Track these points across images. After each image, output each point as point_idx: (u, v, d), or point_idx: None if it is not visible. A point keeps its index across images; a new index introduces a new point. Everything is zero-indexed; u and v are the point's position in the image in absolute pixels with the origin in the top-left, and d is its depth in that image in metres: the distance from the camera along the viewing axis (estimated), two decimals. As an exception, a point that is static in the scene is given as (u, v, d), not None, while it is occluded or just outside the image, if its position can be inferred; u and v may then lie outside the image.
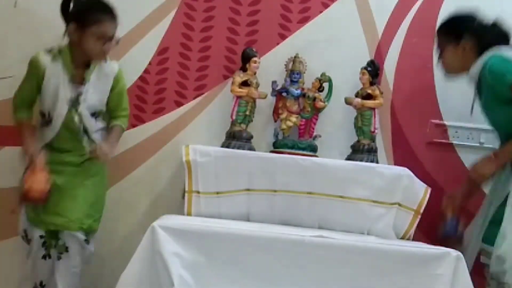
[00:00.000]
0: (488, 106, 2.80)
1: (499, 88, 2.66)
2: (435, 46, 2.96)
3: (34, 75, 2.80)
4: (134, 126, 3.18)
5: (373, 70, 3.13)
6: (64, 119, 2.79)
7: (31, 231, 2.80)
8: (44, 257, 2.77)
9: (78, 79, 2.80)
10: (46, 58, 2.78)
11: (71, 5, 2.80)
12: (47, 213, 2.74)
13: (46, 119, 2.82)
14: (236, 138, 3.03)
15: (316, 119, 3.17)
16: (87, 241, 2.80)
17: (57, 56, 2.79)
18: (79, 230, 2.76)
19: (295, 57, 3.16)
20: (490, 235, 2.68)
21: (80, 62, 2.80)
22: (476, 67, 2.77)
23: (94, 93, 2.83)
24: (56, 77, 2.77)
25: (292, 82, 3.13)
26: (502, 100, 2.69)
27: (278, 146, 3.10)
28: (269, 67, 3.18)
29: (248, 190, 2.88)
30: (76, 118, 2.79)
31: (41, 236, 2.77)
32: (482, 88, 2.77)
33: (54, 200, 2.73)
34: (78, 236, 2.76)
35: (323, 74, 3.16)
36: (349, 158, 3.08)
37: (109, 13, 2.75)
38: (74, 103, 2.79)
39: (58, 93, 2.77)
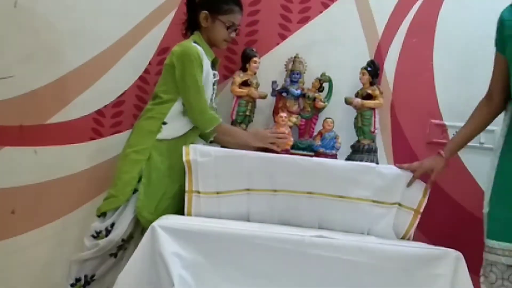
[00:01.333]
0: None
1: None
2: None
3: (200, 67, 2.85)
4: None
5: (373, 70, 3.13)
6: (210, 103, 2.92)
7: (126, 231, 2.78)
8: (112, 255, 2.81)
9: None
10: (198, 48, 2.87)
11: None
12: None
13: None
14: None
15: (316, 119, 3.18)
16: None
17: (196, 44, 2.90)
18: None
19: (295, 57, 3.16)
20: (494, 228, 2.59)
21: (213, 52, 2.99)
22: None
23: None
24: (206, 63, 2.89)
25: (292, 82, 3.13)
26: None
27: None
28: (269, 67, 3.18)
29: (248, 190, 2.87)
30: (214, 104, 2.98)
31: (123, 240, 2.79)
32: None
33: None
34: None
35: (323, 74, 3.16)
36: (349, 158, 3.08)
37: (239, 4, 3.01)
38: (214, 87, 2.99)
39: (208, 77, 2.89)
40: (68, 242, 3.11)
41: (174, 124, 2.86)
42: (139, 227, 2.81)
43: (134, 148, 2.82)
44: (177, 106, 2.86)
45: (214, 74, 2.98)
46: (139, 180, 2.78)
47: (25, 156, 3.14)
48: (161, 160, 2.82)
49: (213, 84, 2.98)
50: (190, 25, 3.01)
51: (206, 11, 2.93)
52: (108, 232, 2.76)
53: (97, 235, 2.77)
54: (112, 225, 2.76)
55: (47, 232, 3.15)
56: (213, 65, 3.00)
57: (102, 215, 2.81)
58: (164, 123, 2.85)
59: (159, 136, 2.83)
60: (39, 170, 3.15)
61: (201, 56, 2.84)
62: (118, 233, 2.75)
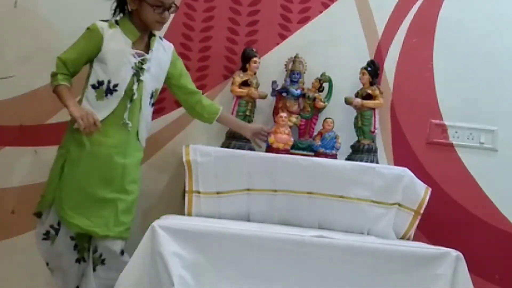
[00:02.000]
0: None
1: None
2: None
3: (90, 40, 2.67)
4: (134, 126, 3.18)
5: (373, 70, 3.13)
6: (127, 87, 2.67)
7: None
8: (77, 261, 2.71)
9: (139, 48, 2.75)
10: (103, 24, 2.70)
11: None
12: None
13: (105, 89, 2.65)
14: (236, 138, 3.03)
15: (316, 119, 3.18)
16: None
17: (114, 25, 2.72)
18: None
19: (295, 57, 3.16)
20: None
21: (138, 32, 2.75)
22: None
23: (156, 65, 2.77)
24: (117, 41, 2.69)
25: (292, 82, 3.13)
26: None
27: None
28: (269, 67, 3.18)
29: (248, 190, 2.87)
30: (135, 87, 2.69)
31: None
32: None
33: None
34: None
35: (323, 74, 3.16)
36: (349, 158, 3.08)
37: None
38: (138, 69, 2.70)
39: (122, 58, 2.68)
40: (68, 242, 3.11)
41: (97, 111, 2.62)
42: None
43: (61, 144, 2.72)
44: (88, 91, 2.67)
45: (136, 54, 2.72)
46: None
47: (25, 156, 3.14)
48: (77, 149, 2.63)
49: (137, 66, 2.71)
50: (121, 9, 2.78)
51: None
52: (57, 230, 2.65)
53: (47, 237, 2.66)
54: (59, 222, 2.64)
55: (47, 232, 3.15)
56: (147, 47, 2.77)
57: (38, 215, 2.70)
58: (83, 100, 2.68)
59: (76, 125, 2.59)
60: (39, 170, 3.15)
61: (100, 31, 2.66)
62: (64, 231, 2.65)
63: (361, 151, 3.07)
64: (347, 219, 2.87)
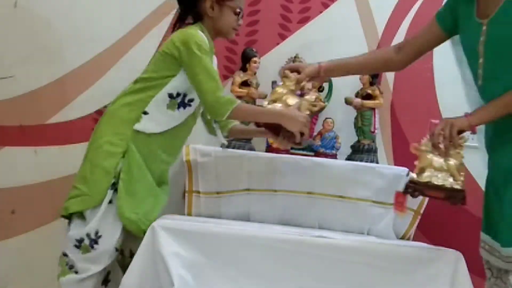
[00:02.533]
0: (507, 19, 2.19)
1: None
2: None
3: (210, 54, 2.51)
4: (134, 126, 3.18)
5: (373, 70, 3.13)
6: (198, 104, 2.57)
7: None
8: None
9: None
10: (203, 34, 2.51)
11: None
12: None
13: (179, 101, 2.51)
14: (236, 138, 3.03)
15: (316, 119, 3.17)
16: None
17: (202, 32, 2.54)
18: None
19: (295, 57, 3.16)
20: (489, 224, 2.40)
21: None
22: None
23: None
24: (211, 53, 2.55)
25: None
26: None
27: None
28: (269, 67, 3.18)
29: (248, 190, 2.87)
30: (199, 105, 2.60)
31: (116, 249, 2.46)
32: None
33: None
34: None
35: (323, 74, 3.15)
36: (349, 158, 3.08)
37: None
38: None
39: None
40: (68, 242, 3.11)
41: (156, 116, 2.48)
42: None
43: (107, 138, 2.44)
44: (162, 95, 2.48)
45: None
46: (115, 176, 2.41)
47: (25, 156, 3.14)
48: (139, 152, 2.46)
49: None
50: (189, 16, 2.61)
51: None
52: (93, 241, 2.40)
53: (79, 244, 2.41)
54: (96, 233, 2.40)
55: (47, 232, 3.15)
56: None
57: (71, 216, 2.45)
58: (145, 113, 2.47)
59: (137, 126, 2.46)
60: (39, 170, 3.15)
61: (209, 45, 2.50)
62: (108, 241, 2.41)
63: (361, 151, 3.07)
64: (347, 219, 2.87)
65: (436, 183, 2.30)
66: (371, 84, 3.12)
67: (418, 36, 2.50)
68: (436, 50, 3.26)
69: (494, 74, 2.28)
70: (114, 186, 2.41)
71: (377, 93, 3.11)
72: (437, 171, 2.33)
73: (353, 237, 2.67)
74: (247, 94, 3.07)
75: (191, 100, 2.53)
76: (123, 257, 2.56)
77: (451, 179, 2.32)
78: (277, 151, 2.98)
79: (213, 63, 2.57)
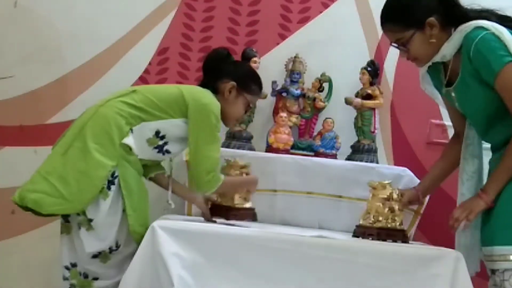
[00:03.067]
0: (465, 87, 2.39)
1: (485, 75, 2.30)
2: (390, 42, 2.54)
3: (219, 124, 2.49)
4: (134, 126, 3.18)
5: (373, 70, 3.13)
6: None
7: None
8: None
9: None
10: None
11: (230, 62, 2.64)
12: None
13: (160, 144, 2.47)
14: (236, 138, 3.03)
15: (316, 119, 3.18)
16: None
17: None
18: None
19: (295, 57, 3.16)
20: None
21: None
22: (451, 47, 2.36)
23: None
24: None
25: (292, 82, 3.13)
26: (483, 81, 2.31)
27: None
28: (269, 67, 3.18)
29: (248, 190, 2.87)
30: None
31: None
32: (462, 65, 2.35)
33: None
34: None
35: (323, 74, 3.16)
36: (349, 158, 3.08)
37: (261, 89, 2.68)
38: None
39: None
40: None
41: (135, 142, 2.41)
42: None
43: (97, 146, 2.32)
44: (151, 126, 2.42)
45: None
46: (102, 188, 2.30)
47: (25, 156, 3.14)
48: (130, 165, 2.41)
49: None
50: (205, 84, 2.57)
51: (234, 83, 2.53)
52: (113, 251, 2.41)
53: (97, 255, 2.39)
54: (117, 243, 2.40)
55: (47, 232, 3.15)
56: None
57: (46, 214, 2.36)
58: (132, 131, 2.40)
59: (126, 140, 2.37)
60: (39, 170, 3.15)
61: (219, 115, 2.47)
62: (126, 249, 2.45)
63: (361, 151, 3.07)
64: (347, 219, 2.86)
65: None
66: (371, 84, 3.12)
67: (451, 117, 2.70)
68: (436, 50, 3.27)
69: (481, 130, 2.47)
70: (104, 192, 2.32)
71: (377, 93, 3.11)
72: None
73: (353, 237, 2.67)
74: (247, 94, 3.06)
75: (168, 152, 2.51)
76: None
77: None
78: (277, 151, 2.98)
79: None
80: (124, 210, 2.38)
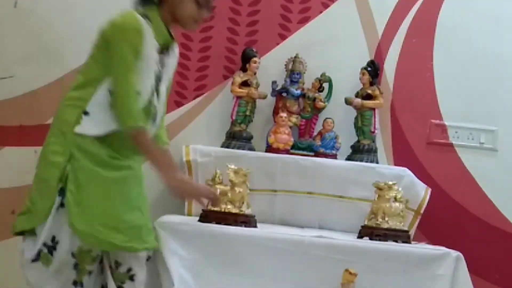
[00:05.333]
0: None
1: None
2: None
3: (135, 46, 2.11)
4: (134, 126, 3.18)
5: (373, 70, 3.13)
6: (147, 98, 2.16)
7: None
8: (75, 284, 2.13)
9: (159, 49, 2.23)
10: (141, 19, 2.15)
11: None
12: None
13: None
14: (236, 138, 3.03)
15: (316, 119, 3.17)
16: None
17: (148, 21, 2.17)
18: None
19: (295, 57, 3.16)
20: None
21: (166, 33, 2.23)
22: None
23: (167, 72, 2.28)
24: (150, 44, 2.16)
25: (292, 82, 3.13)
26: None
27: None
28: (269, 67, 3.18)
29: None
30: (155, 100, 2.21)
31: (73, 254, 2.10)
32: None
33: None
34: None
35: (323, 74, 3.16)
36: (349, 158, 3.08)
37: None
38: (158, 80, 2.21)
39: (150, 65, 2.17)
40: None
41: (98, 117, 2.10)
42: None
43: (50, 147, 2.13)
44: (103, 92, 2.11)
45: (162, 62, 2.23)
46: (61, 189, 2.07)
47: (25, 156, 3.14)
48: (85, 157, 2.09)
49: (159, 73, 2.21)
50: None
51: None
52: (51, 247, 2.09)
53: (38, 257, 2.10)
54: (53, 238, 2.08)
55: (47, 232, 3.15)
56: (167, 50, 2.26)
57: (22, 233, 2.15)
58: (86, 113, 2.10)
59: (78, 129, 2.09)
60: (39, 170, 3.15)
61: (141, 31, 2.11)
62: (64, 248, 2.08)
63: (361, 151, 3.07)
64: (347, 219, 2.87)
65: None
66: (371, 84, 3.12)
67: None
68: (436, 51, 3.28)
69: None
70: (63, 192, 2.08)
71: (377, 93, 3.10)
72: None
73: (353, 237, 2.67)
74: (247, 94, 3.07)
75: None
76: (111, 268, 2.18)
77: None
78: (277, 151, 2.98)
79: (149, 53, 2.15)
80: (62, 205, 2.08)
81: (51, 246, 2.08)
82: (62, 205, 2.08)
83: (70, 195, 2.06)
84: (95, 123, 2.10)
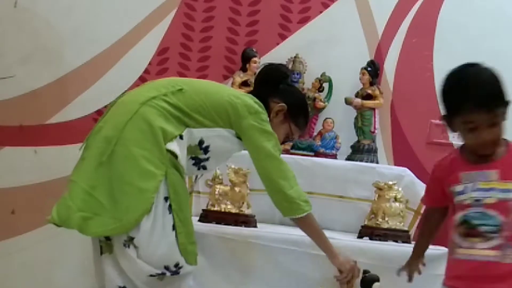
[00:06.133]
0: None
1: None
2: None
3: None
4: (134, 126, 3.18)
5: (373, 70, 3.13)
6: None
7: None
8: None
9: None
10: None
11: (288, 83, 2.40)
12: None
13: (197, 157, 2.15)
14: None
15: (316, 119, 3.18)
16: None
17: None
18: None
19: (295, 57, 3.16)
20: None
21: None
22: None
23: None
24: None
25: (292, 82, 3.12)
26: None
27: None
28: (269, 67, 3.18)
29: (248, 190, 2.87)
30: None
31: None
32: None
33: None
34: None
35: (323, 74, 3.16)
36: (349, 158, 3.08)
37: (307, 124, 2.47)
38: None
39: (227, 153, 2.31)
40: (68, 242, 3.11)
41: (180, 149, 2.05)
42: None
43: (143, 152, 1.97)
44: (196, 134, 2.10)
45: None
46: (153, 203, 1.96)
47: (25, 156, 3.14)
48: (175, 173, 2.03)
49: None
50: (256, 95, 2.24)
51: (286, 106, 2.25)
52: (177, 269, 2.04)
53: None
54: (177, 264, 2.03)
55: (47, 232, 3.14)
56: None
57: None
58: (181, 137, 2.05)
59: (169, 145, 2.01)
60: (39, 170, 3.15)
61: None
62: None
63: (361, 151, 3.07)
64: (347, 219, 2.87)
65: None
66: (371, 84, 3.12)
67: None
68: (436, 50, 3.28)
69: None
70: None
71: (377, 93, 3.11)
72: None
73: (353, 237, 2.67)
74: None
75: (204, 168, 2.21)
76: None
77: None
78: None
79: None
80: (173, 226, 2.00)
81: (174, 272, 2.04)
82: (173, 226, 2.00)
83: (176, 215, 2.01)
84: (179, 149, 2.04)
